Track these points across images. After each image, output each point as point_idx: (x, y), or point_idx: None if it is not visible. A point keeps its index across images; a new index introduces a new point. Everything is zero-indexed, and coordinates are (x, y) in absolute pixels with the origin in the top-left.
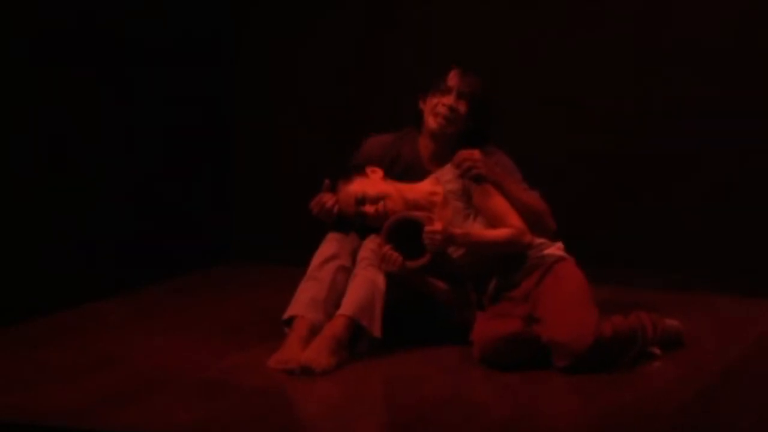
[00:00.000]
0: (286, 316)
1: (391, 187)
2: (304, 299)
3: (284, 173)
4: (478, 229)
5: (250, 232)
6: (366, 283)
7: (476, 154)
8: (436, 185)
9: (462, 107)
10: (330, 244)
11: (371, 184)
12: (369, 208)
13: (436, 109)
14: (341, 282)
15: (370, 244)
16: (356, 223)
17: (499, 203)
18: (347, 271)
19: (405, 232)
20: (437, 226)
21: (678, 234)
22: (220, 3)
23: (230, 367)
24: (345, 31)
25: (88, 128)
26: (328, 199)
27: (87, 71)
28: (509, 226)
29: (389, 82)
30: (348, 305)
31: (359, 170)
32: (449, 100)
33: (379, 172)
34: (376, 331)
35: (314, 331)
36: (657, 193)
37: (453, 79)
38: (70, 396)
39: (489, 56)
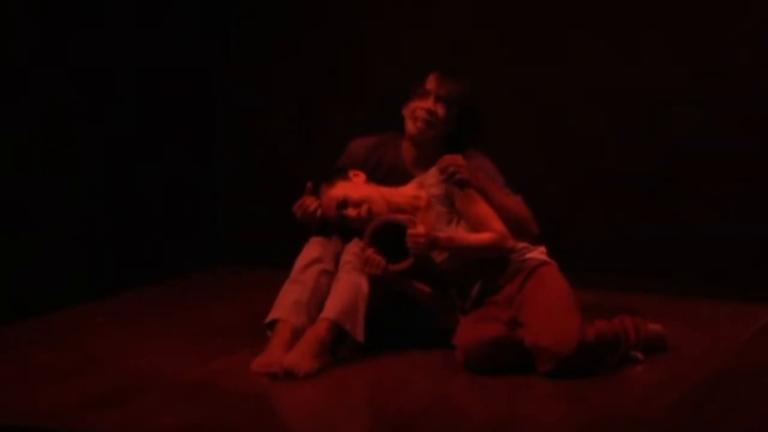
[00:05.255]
0: (268, 319)
1: (373, 191)
2: (287, 302)
3: (272, 177)
4: (461, 233)
5: (237, 236)
6: (349, 286)
7: (460, 159)
8: (419, 189)
9: (441, 111)
10: (313, 248)
11: (354, 187)
12: (351, 212)
13: (415, 113)
14: (324, 285)
15: (354, 247)
16: (339, 226)
17: (481, 208)
18: (330, 275)
19: (388, 235)
20: (420, 228)
21: (661, 238)
22: (214, 8)
23: (216, 370)
24: (334, 36)
25: (80, 129)
26: (311, 203)
27: (75, 70)
28: (492, 231)
29: (377, 87)
30: (331, 309)
31: (342, 173)
32: (427, 103)
33: (362, 176)
34: (359, 335)
35: (297, 334)
36: (642, 197)
37: (431, 82)
38: (57, 398)
39: (480, 59)
